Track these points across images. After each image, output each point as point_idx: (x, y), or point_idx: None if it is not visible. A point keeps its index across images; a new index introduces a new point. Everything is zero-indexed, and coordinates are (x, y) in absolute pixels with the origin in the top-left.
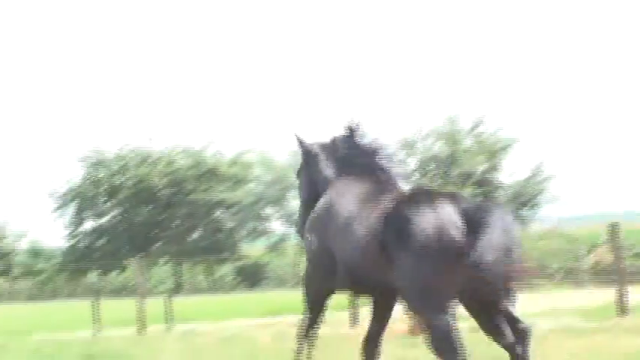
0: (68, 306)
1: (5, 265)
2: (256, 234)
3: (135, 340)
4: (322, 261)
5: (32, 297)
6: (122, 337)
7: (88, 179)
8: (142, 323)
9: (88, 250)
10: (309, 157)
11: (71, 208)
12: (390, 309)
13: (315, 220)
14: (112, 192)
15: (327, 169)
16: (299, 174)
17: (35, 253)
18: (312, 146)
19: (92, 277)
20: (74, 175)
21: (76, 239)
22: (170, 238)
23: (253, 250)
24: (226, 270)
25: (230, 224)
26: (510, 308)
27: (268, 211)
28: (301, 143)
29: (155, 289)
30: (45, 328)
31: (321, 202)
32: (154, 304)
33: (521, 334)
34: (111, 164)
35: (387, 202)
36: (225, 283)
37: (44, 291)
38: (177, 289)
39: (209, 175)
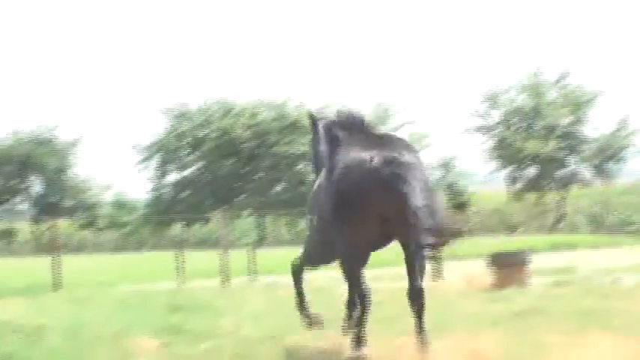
0: (153, 257)
1: (90, 217)
2: None
3: (219, 292)
4: (322, 235)
5: (117, 248)
6: (206, 289)
7: (171, 132)
8: (225, 275)
9: (171, 202)
10: (315, 133)
11: (155, 161)
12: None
13: (311, 199)
14: (196, 144)
15: (322, 145)
16: (311, 147)
17: (119, 205)
18: (318, 123)
19: (176, 229)
20: (158, 127)
21: (159, 191)
22: (253, 191)
23: None
24: None
25: (313, 177)
26: (415, 263)
27: None
28: (312, 119)
29: (238, 241)
30: (130, 280)
31: (316, 183)
32: (238, 257)
33: (413, 295)
34: (194, 116)
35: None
36: None
37: (129, 242)
38: (261, 241)
39: (292, 127)
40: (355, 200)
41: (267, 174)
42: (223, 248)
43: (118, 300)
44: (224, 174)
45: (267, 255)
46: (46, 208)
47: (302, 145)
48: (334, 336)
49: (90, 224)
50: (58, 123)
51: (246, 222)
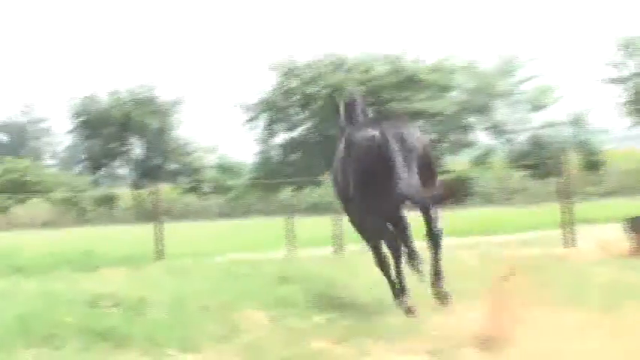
0: (260, 224)
1: (194, 182)
2: (459, 146)
3: (331, 261)
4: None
5: (222, 214)
6: (318, 258)
7: (279, 89)
8: (338, 243)
9: (280, 164)
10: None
11: (262, 120)
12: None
13: (332, 173)
14: (305, 102)
15: (343, 123)
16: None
17: (225, 168)
18: (344, 102)
19: (285, 193)
20: (265, 84)
21: (267, 153)
22: None
23: (456, 163)
24: None
25: (431, 136)
26: (431, 212)
27: (472, 120)
28: (335, 102)
29: None
30: (236, 248)
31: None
32: None
33: (432, 238)
34: (303, 72)
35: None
36: None
37: (235, 208)
38: None
39: (408, 82)
40: (368, 172)
41: None
42: (336, 214)
43: (224, 270)
44: (336, 134)
45: None
46: (148, 172)
47: (420, 101)
48: (457, 309)
49: (194, 189)
50: (159, 81)
51: None
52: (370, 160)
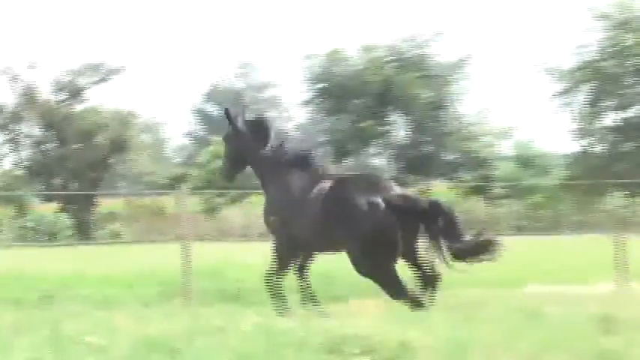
0: (577, 242)
1: (482, 179)
2: None
3: None
4: (285, 239)
5: (521, 226)
6: None
7: (609, 48)
8: None
9: (607, 158)
10: (238, 133)
11: (582, 94)
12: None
13: (272, 207)
14: None
15: (261, 153)
16: (226, 140)
17: (525, 161)
18: (242, 125)
19: (615, 200)
20: (587, 41)
21: (589, 142)
22: None
23: None
24: None
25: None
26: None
27: None
28: (230, 117)
29: None
30: (542, 276)
31: (274, 195)
32: None
33: (430, 279)
34: None
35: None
36: None
37: (539, 218)
38: None
39: None
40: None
41: None
42: None
43: (523, 308)
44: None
45: None
46: (415, 164)
47: None
48: None
49: (479, 189)
50: (426, 34)
51: None
52: (391, 229)
